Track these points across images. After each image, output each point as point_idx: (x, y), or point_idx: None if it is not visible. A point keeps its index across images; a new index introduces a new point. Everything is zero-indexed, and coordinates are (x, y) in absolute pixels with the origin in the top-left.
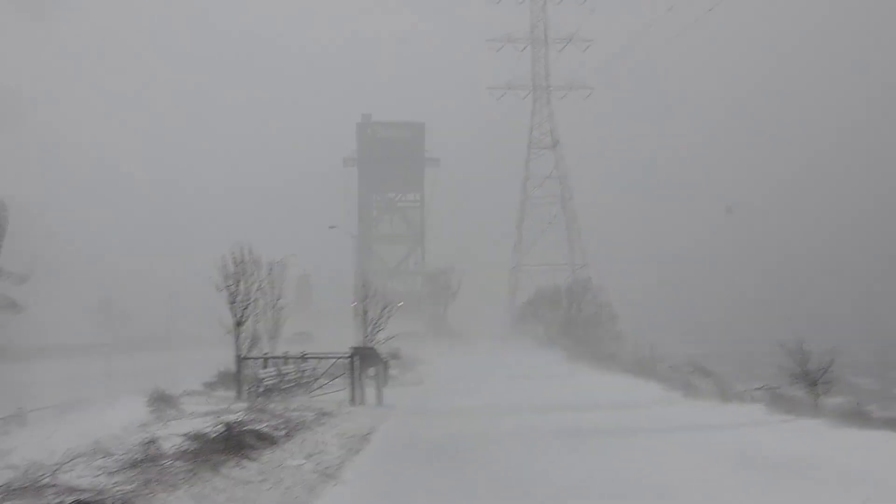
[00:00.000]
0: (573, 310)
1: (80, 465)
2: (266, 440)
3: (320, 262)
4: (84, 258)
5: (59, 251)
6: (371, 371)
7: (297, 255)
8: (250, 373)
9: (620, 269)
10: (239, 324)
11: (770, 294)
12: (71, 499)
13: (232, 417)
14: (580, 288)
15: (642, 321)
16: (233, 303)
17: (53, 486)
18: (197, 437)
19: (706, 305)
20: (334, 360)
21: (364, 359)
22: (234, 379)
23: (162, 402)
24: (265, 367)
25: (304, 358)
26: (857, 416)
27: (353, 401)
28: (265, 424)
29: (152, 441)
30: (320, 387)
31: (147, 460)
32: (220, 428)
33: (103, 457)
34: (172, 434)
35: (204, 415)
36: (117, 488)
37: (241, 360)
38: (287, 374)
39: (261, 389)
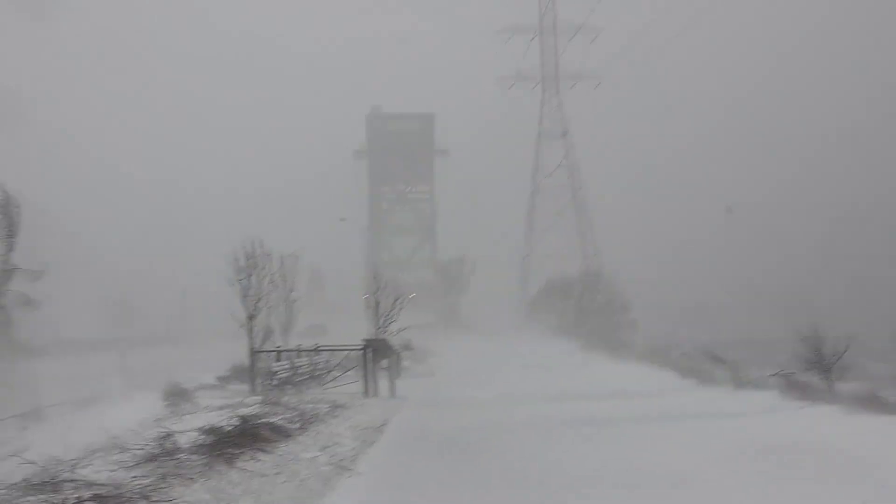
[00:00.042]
0: (585, 299)
1: (98, 460)
2: (280, 433)
3: (331, 255)
4: (95, 256)
5: (72, 248)
6: (384, 363)
7: (308, 248)
8: (264, 366)
9: (632, 258)
10: (251, 317)
11: (783, 281)
12: (89, 493)
13: (246, 411)
14: (592, 277)
15: (655, 309)
16: (245, 296)
17: (72, 481)
18: (212, 430)
19: (719, 293)
20: (347, 352)
21: (376, 351)
22: (248, 372)
23: (177, 396)
24: (278, 360)
25: (317, 350)
26: (873, 402)
27: (366, 393)
28: (279, 417)
29: (168, 435)
30: (333, 379)
31: (163, 454)
32: (235, 421)
33: (120, 451)
34: (188, 428)
35: (218, 408)
36: (135, 482)
37: (254, 353)
38: (300, 366)
39: (274, 382)
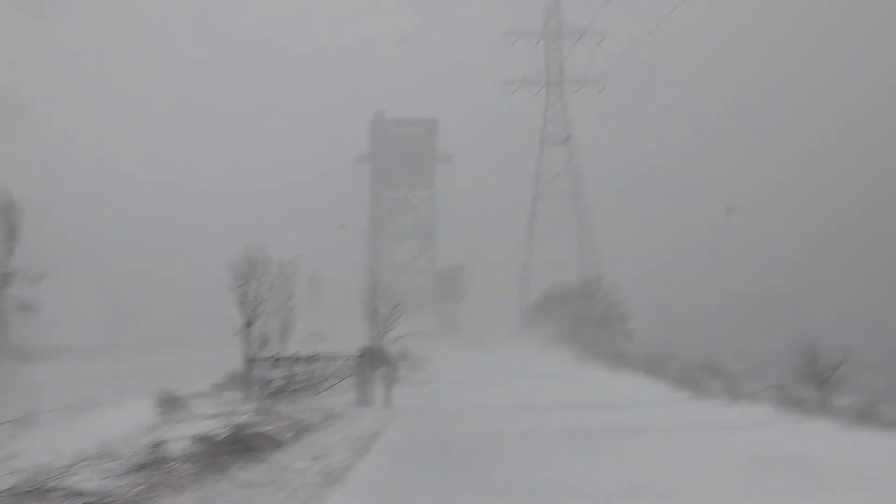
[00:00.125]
0: (584, 308)
1: (87, 468)
2: (273, 442)
3: (332, 259)
4: (93, 258)
5: (71, 252)
6: (380, 371)
7: (309, 252)
8: (259, 374)
9: (632, 266)
10: (248, 324)
11: (780, 293)
12: (77, 502)
13: (240, 419)
14: (591, 286)
15: (653, 319)
16: (243, 303)
17: (59, 489)
18: (204, 439)
19: (718, 303)
20: (343, 360)
21: (373, 359)
22: (243, 380)
23: (170, 403)
24: (274, 367)
25: (313, 359)
26: (868, 417)
27: (361, 402)
28: (273, 426)
29: (159, 443)
30: (329, 388)
31: (154, 463)
32: (228, 430)
33: (110, 459)
34: (180, 436)
35: (212, 416)
36: (123, 491)
37: (249, 361)
38: (296, 374)
39: (269, 391)
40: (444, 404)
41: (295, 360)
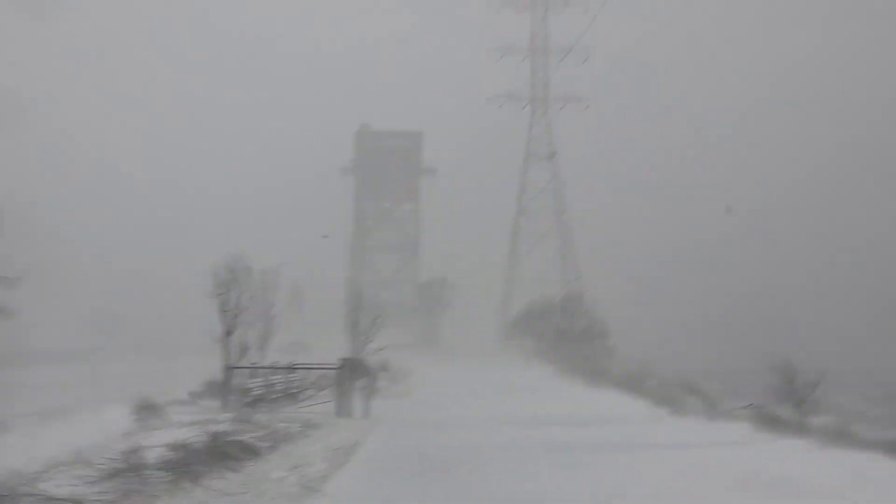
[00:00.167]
0: (564, 323)
1: (60, 475)
2: (250, 451)
3: (314, 269)
4: (78, 261)
5: (53, 254)
6: (359, 383)
7: (291, 261)
8: (238, 382)
9: (614, 283)
10: (228, 333)
11: (760, 312)
12: None
13: (217, 428)
14: (572, 302)
15: (634, 336)
16: (223, 311)
17: (31, 495)
18: (180, 447)
19: (698, 321)
20: (322, 370)
21: (352, 370)
22: (221, 388)
23: (147, 410)
24: (253, 376)
25: (292, 368)
26: (844, 437)
27: (339, 412)
28: (250, 435)
29: (135, 450)
30: (308, 398)
31: (129, 470)
32: (205, 438)
33: (84, 466)
34: (156, 443)
35: (189, 424)
36: (97, 498)
37: (228, 369)
38: (275, 384)
39: (248, 400)
40: (424, 416)
41: (274, 369)
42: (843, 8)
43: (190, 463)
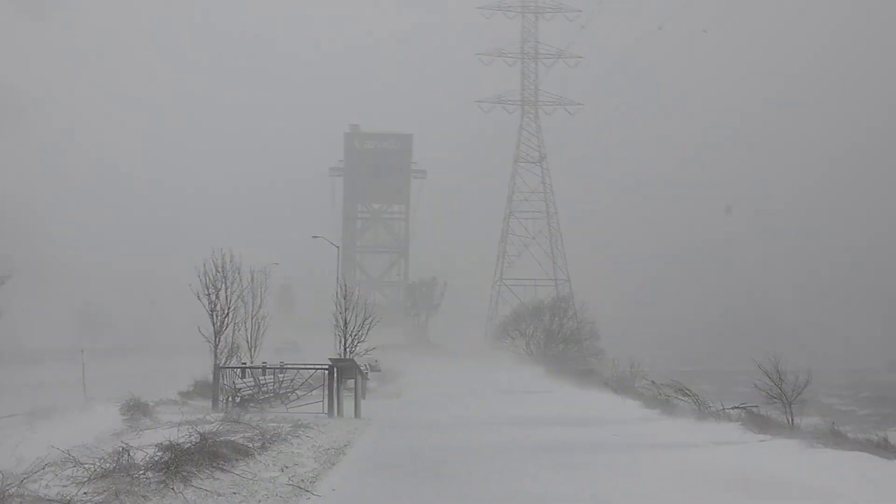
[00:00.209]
0: (555, 325)
1: (49, 475)
2: (240, 452)
3: (304, 270)
4: (71, 260)
5: (45, 253)
6: (349, 383)
7: (281, 262)
8: (227, 382)
9: (603, 285)
10: (218, 333)
11: (750, 315)
12: None
13: (206, 428)
14: (562, 303)
15: (624, 337)
16: (213, 311)
17: (20, 496)
18: (170, 447)
19: (688, 324)
20: (312, 371)
21: (342, 370)
22: (211, 388)
23: (136, 410)
24: (243, 376)
25: (282, 368)
26: (832, 437)
27: (330, 413)
28: (240, 435)
29: (124, 451)
30: (298, 398)
31: (118, 470)
32: (194, 438)
33: (73, 466)
34: (145, 444)
35: (178, 425)
36: (86, 499)
37: (218, 369)
38: (265, 384)
39: (237, 400)
40: (415, 416)
41: (264, 369)
42: (841, 8)
43: (180, 463)
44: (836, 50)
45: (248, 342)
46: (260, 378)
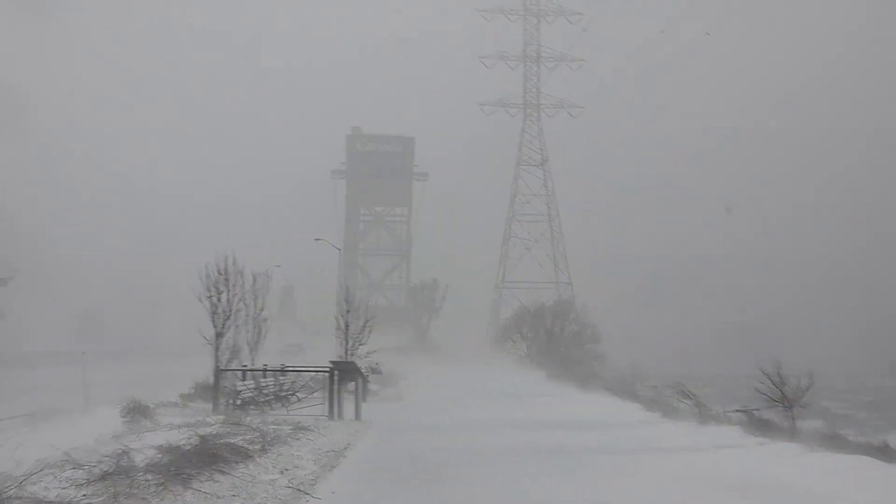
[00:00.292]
0: (556, 328)
1: (49, 477)
2: (240, 454)
3: (306, 273)
4: (72, 263)
5: (44, 256)
6: (350, 386)
7: (284, 265)
8: (228, 385)
9: (605, 288)
10: (219, 335)
11: (752, 318)
12: None
13: (207, 430)
14: (564, 307)
15: (626, 341)
16: (214, 313)
17: (19, 498)
18: (170, 449)
19: (689, 327)
20: (313, 373)
21: (343, 373)
22: (212, 391)
23: (137, 412)
24: (243, 379)
25: (283, 371)
26: (833, 440)
27: (331, 415)
28: (240, 438)
29: (124, 453)
30: (299, 400)
31: (118, 472)
32: (194, 441)
33: (73, 468)
34: (145, 446)
35: (179, 427)
36: (85, 501)
37: (219, 371)
38: (265, 386)
39: (238, 402)
40: (416, 419)
41: (265, 371)
42: (842, 10)
43: (180, 465)
44: (836, 51)
45: (248, 344)
46: (260, 380)
